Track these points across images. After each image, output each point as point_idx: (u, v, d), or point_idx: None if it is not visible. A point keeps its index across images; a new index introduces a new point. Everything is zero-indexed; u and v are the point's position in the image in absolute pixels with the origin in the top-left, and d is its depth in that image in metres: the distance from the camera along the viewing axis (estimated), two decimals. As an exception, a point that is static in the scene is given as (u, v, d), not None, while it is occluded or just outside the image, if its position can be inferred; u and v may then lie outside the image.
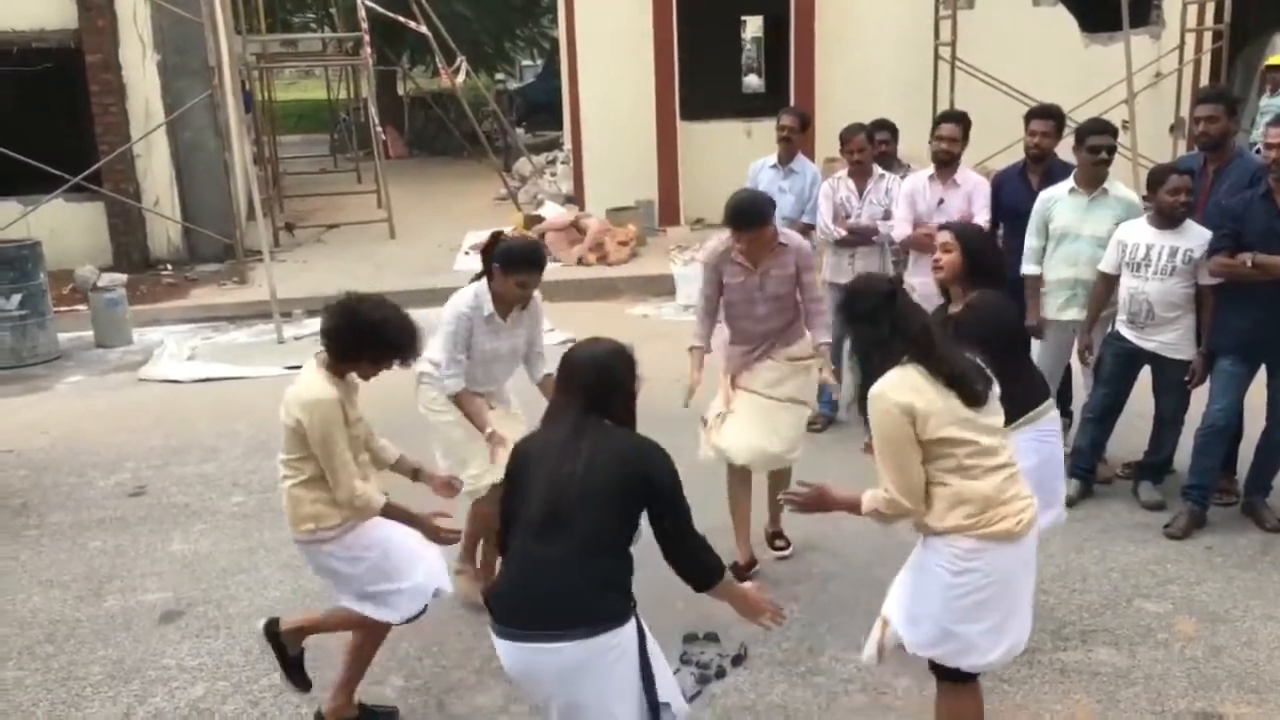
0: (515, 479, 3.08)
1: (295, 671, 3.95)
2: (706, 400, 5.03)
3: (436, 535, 3.80)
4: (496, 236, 4.52)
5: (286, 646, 3.94)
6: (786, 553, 5.15)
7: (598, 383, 3.07)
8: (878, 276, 3.48)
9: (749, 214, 4.67)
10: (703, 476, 5.32)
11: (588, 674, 2.86)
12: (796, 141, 6.89)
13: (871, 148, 6.59)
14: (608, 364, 3.11)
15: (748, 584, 3.35)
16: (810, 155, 12.03)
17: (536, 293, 4.59)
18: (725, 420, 4.90)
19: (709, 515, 4.86)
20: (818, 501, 3.34)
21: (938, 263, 4.18)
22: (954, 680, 3.31)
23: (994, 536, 3.08)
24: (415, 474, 4.05)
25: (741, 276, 4.84)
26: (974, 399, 3.11)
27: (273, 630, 3.94)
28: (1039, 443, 4.08)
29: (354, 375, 3.72)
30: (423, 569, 3.81)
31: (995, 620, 3.15)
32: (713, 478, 4.89)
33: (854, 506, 3.26)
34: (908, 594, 3.30)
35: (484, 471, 4.41)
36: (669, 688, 3.07)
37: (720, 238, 5.02)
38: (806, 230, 6.76)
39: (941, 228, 4.40)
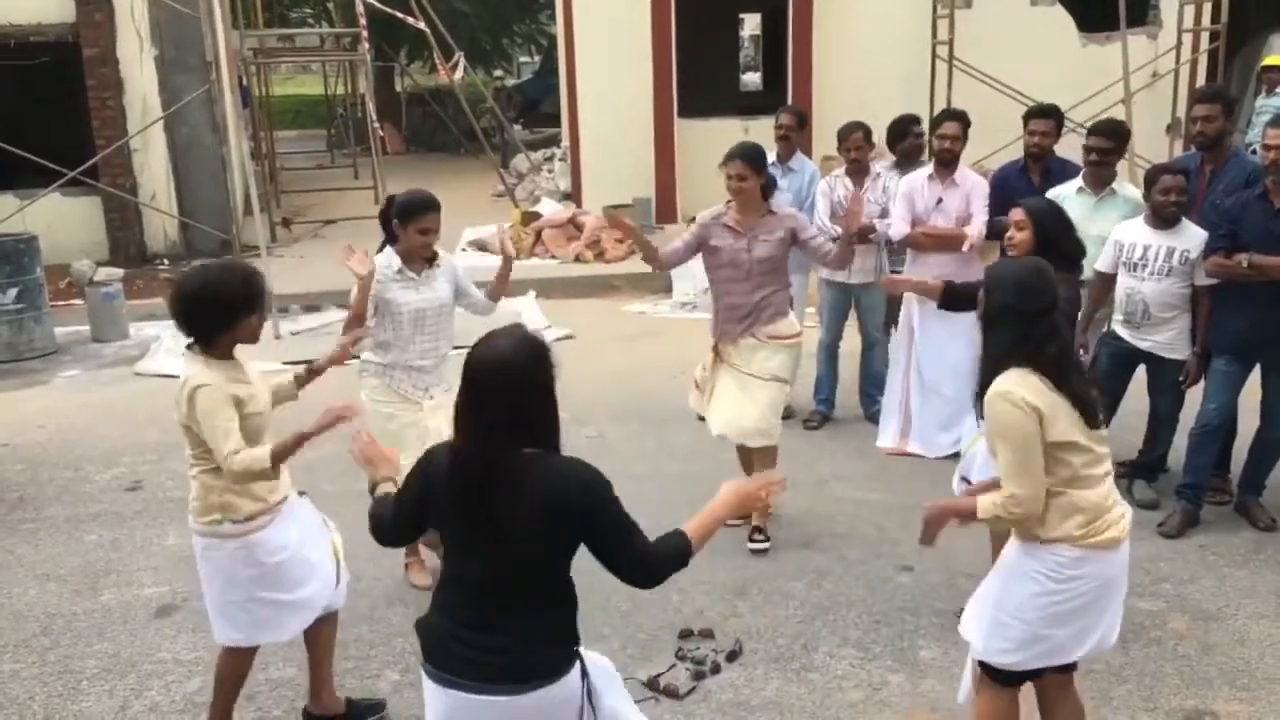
0: (418, 497, 2.72)
1: (365, 712, 3.96)
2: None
3: (335, 419, 3.44)
4: (390, 200, 4.68)
5: (335, 715, 3.91)
6: (763, 546, 5.18)
7: (502, 390, 2.54)
8: (1047, 274, 3.15)
9: (748, 150, 4.96)
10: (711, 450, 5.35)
11: None
12: (795, 140, 6.91)
13: (869, 146, 6.60)
14: (509, 364, 2.56)
15: (727, 487, 2.84)
16: (808, 153, 12.12)
17: (445, 254, 4.76)
18: (707, 390, 5.20)
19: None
20: (936, 520, 3.19)
21: (1010, 239, 4.17)
22: (1004, 684, 3.25)
23: (1102, 545, 3.06)
24: (309, 369, 3.98)
25: (730, 239, 5.04)
26: (1093, 423, 3.07)
27: (311, 715, 3.92)
28: None
29: (239, 354, 3.52)
30: (316, 583, 3.70)
31: (1086, 623, 3.13)
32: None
33: (969, 513, 3.14)
34: (991, 602, 3.21)
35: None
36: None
37: (715, 207, 5.23)
38: None
39: (1015, 205, 4.28)
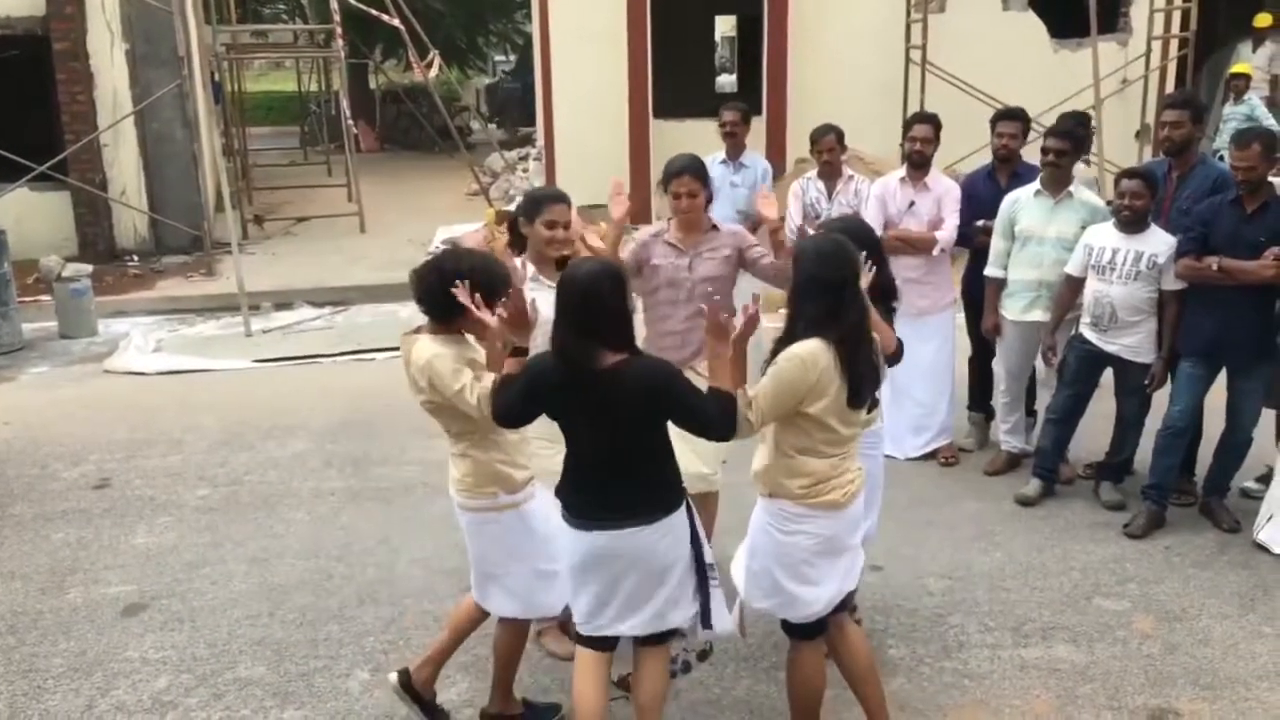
0: (533, 398, 3.30)
1: (434, 713, 3.90)
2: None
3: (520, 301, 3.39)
4: (509, 217, 4.37)
5: (422, 695, 3.85)
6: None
7: (586, 307, 3.16)
8: (848, 247, 3.38)
9: (691, 163, 4.55)
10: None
11: (649, 553, 3.27)
12: (741, 135, 6.86)
13: (840, 149, 6.62)
14: (592, 287, 3.17)
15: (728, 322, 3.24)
16: (781, 156, 12.18)
17: (577, 241, 4.34)
18: None
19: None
20: (723, 333, 3.20)
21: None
22: (801, 637, 3.55)
23: (823, 505, 3.37)
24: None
25: (672, 256, 4.61)
26: (857, 402, 3.33)
27: (406, 682, 3.83)
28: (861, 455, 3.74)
29: (469, 338, 3.60)
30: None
31: (816, 575, 3.42)
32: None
33: (736, 380, 3.24)
34: (745, 552, 3.58)
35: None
36: (710, 554, 3.48)
37: (655, 224, 4.96)
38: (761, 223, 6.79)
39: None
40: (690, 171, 4.52)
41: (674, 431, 4.68)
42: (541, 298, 3.78)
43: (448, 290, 3.45)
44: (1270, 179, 5.04)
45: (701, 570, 3.43)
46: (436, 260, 3.63)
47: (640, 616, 3.37)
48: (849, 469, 3.43)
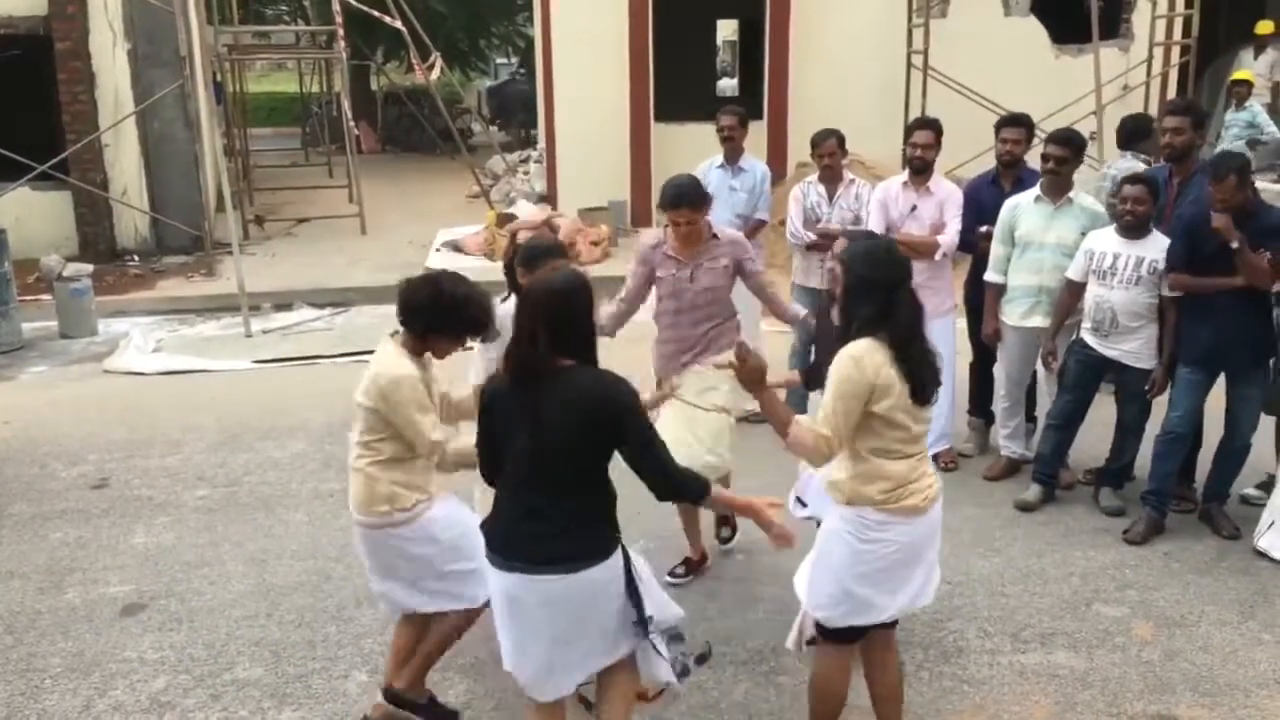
0: (489, 425, 3.17)
1: (437, 711, 3.88)
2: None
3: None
4: (515, 248, 4.41)
5: (415, 700, 3.83)
6: (730, 545, 5.21)
7: (554, 315, 3.06)
8: (897, 251, 3.46)
9: (690, 194, 4.65)
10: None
11: (573, 603, 3.04)
12: (739, 139, 6.83)
13: (841, 153, 6.62)
14: (562, 294, 3.10)
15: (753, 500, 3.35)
16: (783, 160, 12.19)
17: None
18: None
19: (665, 523, 4.92)
20: (756, 379, 3.34)
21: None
22: (836, 642, 3.48)
23: (904, 510, 3.31)
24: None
25: (673, 269, 4.80)
26: (922, 398, 3.30)
27: (393, 695, 3.82)
28: None
29: (430, 355, 3.66)
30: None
31: (893, 584, 3.38)
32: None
33: (782, 425, 3.29)
34: (813, 561, 3.50)
35: None
36: (658, 603, 3.22)
37: (654, 232, 5.04)
38: (759, 227, 6.80)
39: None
40: (687, 204, 4.63)
41: (674, 419, 4.80)
42: None
43: (435, 309, 3.51)
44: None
45: (643, 623, 3.14)
46: (434, 277, 3.65)
47: (573, 656, 3.14)
48: (926, 472, 3.40)
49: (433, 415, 3.55)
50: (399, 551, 3.66)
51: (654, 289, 4.94)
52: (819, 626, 3.50)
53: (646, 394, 5.09)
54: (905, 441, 3.32)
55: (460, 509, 3.77)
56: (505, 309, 4.25)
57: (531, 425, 3.02)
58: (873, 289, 3.30)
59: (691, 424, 4.73)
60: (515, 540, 3.07)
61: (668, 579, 5.04)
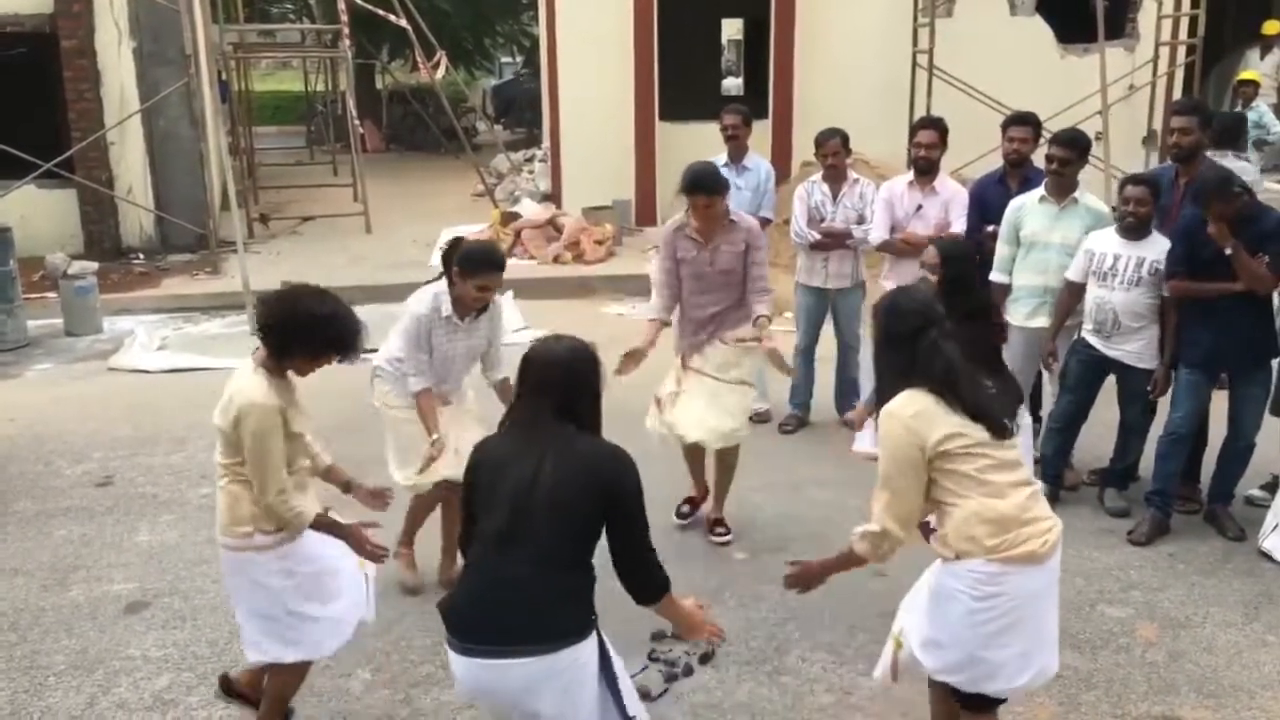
0: (475, 483, 2.95)
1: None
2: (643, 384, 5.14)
3: (363, 548, 3.59)
4: (457, 242, 4.53)
5: (249, 694, 3.86)
6: (726, 539, 5.28)
7: (562, 385, 2.92)
8: (920, 298, 3.33)
9: (707, 181, 4.92)
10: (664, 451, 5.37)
11: (546, 690, 2.77)
12: (743, 138, 6.83)
13: (845, 153, 6.61)
14: (571, 365, 2.95)
15: (689, 601, 3.19)
16: (787, 159, 12.18)
17: (497, 295, 4.59)
18: (677, 400, 5.12)
19: (666, 490, 4.93)
20: (813, 575, 3.36)
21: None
22: (977, 708, 3.20)
23: (1019, 559, 2.98)
24: (346, 486, 3.91)
25: (694, 250, 5.07)
26: (1000, 433, 3.06)
27: (227, 684, 3.91)
28: None
29: (292, 375, 3.49)
30: (348, 599, 3.61)
31: (1023, 646, 3.05)
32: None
33: (845, 560, 3.21)
34: (925, 619, 3.18)
35: (429, 470, 4.48)
36: (634, 703, 2.99)
37: (675, 218, 5.23)
38: (764, 225, 6.79)
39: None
40: (704, 190, 4.90)
41: (698, 391, 5.04)
42: (444, 334, 4.47)
43: (289, 327, 3.33)
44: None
45: (619, 701, 2.92)
46: (292, 293, 3.43)
47: None
48: (1039, 513, 3.06)
49: (280, 460, 3.33)
50: (254, 578, 3.48)
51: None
52: (957, 695, 3.21)
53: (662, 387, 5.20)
54: (995, 469, 3.02)
55: (326, 546, 3.55)
56: (428, 294, 4.51)
57: (526, 475, 2.82)
58: (897, 341, 3.17)
59: (717, 396, 5.06)
60: (482, 618, 2.80)
61: (674, 520, 5.41)
